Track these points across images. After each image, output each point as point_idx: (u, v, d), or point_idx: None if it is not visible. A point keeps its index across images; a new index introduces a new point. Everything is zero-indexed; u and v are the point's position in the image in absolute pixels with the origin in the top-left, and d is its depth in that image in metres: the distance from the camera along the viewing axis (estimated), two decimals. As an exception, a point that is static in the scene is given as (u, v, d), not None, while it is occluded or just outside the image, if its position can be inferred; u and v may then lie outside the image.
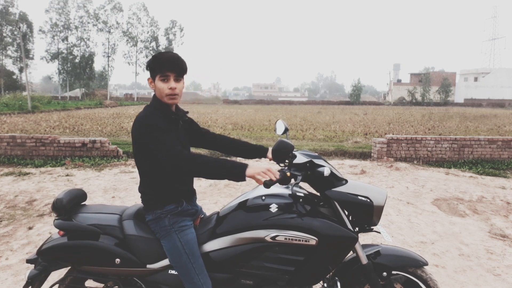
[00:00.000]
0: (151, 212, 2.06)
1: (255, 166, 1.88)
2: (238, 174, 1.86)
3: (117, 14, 56.90)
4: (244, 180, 1.87)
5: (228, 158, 1.90)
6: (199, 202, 2.46)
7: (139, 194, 2.14)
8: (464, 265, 3.65)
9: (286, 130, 2.41)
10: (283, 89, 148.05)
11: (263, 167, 1.88)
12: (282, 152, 2.04)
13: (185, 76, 2.08)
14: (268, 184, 1.85)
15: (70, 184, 6.46)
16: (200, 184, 6.34)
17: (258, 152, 2.37)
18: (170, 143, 1.90)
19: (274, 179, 1.85)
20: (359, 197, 2.05)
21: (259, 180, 1.86)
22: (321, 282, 2.20)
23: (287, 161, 2.18)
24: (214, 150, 2.45)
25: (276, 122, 2.47)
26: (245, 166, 1.87)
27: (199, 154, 1.90)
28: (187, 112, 2.25)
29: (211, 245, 2.07)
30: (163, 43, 61.20)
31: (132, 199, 5.58)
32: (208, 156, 1.93)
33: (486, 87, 70.71)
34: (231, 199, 2.82)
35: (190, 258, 1.98)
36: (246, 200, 2.13)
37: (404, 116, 26.21)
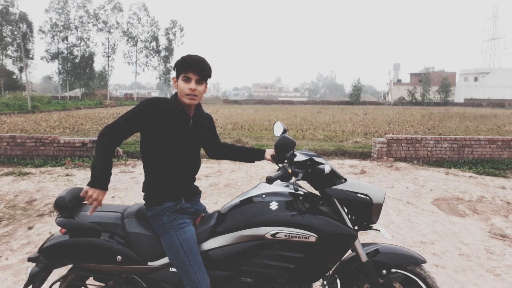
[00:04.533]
0: (150, 208, 2.09)
1: (95, 186, 1.95)
2: (92, 179, 1.98)
3: (117, 14, 56.83)
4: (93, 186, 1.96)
5: (101, 162, 2.00)
6: (199, 202, 2.47)
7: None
8: (464, 265, 3.65)
9: (284, 131, 2.42)
10: (283, 89, 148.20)
11: (93, 191, 1.95)
12: (285, 147, 2.04)
13: (209, 81, 2.15)
14: (270, 179, 1.91)
15: (70, 184, 6.46)
16: (200, 184, 6.32)
17: (255, 154, 2.46)
18: (119, 120, 2.03)
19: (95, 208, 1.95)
20: (359, 195, 2.07)
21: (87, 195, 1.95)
22: (321, 280, 2.21)
23: (286, 161, 2.19)
24: (216, 158, 2.55)
25: (274, 124, 2.48)
26: (92, 180, 1.95)
27: (104, 142, 2.00)
28: (207, 115, 2.30)
29: (212, 243, 2.08)
30: (163, 43, 61.22)
31: (132, 199, 5.58)
32: (101, 149, 2.00)
33: (486, 87, 70.71)
34: (231, 199, 2.82)
35: (188, 256, 1.99)
36: (247, 198, 2.14)
37: (404, 116, 26.21)
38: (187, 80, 2.05)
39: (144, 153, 2.13)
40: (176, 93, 2.14)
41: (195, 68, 2.04)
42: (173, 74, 2.21)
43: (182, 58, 2.09)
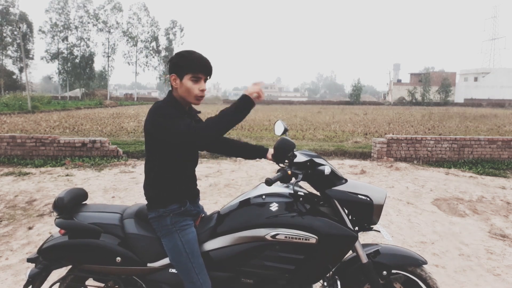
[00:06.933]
0: (154, 210, 2.05)
1: (249, 88, 1.91)
2: (247, 104, 1.88)
3: (117, 14, 56.94)
4: (254, 104, 1.90)
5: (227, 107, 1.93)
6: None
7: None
8: (464, 265, 3.65)
9: (285, 130, 2.41)
10: (283, 89, 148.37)
11: (256, 87, 1.91)
12: (284, 150, 2.03)
13: (208, 81, 2.07)
14: (269, 181, 1.89)
15: (70, 184, 6.46)
16: (200, 184, 6.29)
17: (257, 152, 2.36)
18: (186, 122, 1.86)
19: (262, 97, 1.92)
20: (359, 196, 2.06)
21: (259, 94, 1.90)
22: (321, 281, 2.21)
23: (287, 161, 2.18)
24: (214, 152, 2.43)
25: (275, 123, 2.47)
26: (246, 96, 1.89)
27: (207, 119, 1.87)
28: (199, 112, 2.23)
29: (212, 244, 2.08)
30: (163, 43, 61.26)
31: (132, 199, 5.58)
32: (213, 116, 1.87)
33: (486, 87, 70.68)
34: (231, 199, 2.81)
35: (190, 258, 1.98)
36: (247, 199, 2.13)
37: (404, 116, 26.21)
38: (197, 80, 1.95)
39: (154, 157, 2.01)
40: (175, 98, 2.00)
41: (206, 68, 1.96)
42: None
43: (186, 56, 1.95)
